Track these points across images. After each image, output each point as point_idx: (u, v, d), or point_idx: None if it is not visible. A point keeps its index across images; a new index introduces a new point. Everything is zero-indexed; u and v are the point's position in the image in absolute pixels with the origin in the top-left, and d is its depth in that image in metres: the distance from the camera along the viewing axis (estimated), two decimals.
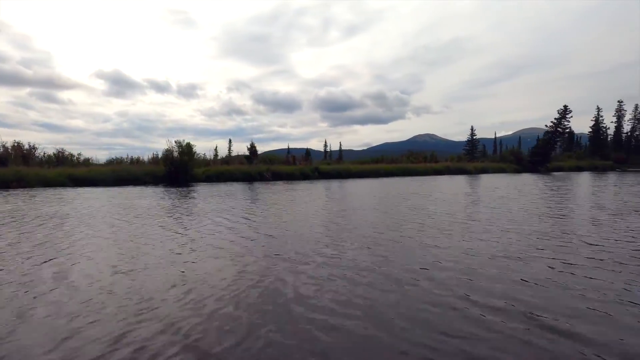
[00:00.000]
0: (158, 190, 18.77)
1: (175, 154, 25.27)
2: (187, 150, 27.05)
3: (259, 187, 21.48)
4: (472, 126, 61.00)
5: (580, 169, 52.81)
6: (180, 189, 19.23)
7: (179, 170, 24.92)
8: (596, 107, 61.38)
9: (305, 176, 30.69)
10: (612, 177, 30.91)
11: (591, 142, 62.06)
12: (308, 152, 72.93)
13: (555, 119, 47.76)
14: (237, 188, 20.40)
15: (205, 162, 30.60)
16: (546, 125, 48.35)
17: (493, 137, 78.01)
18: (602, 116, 60.96)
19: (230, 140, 58.88)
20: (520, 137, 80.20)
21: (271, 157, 34.65)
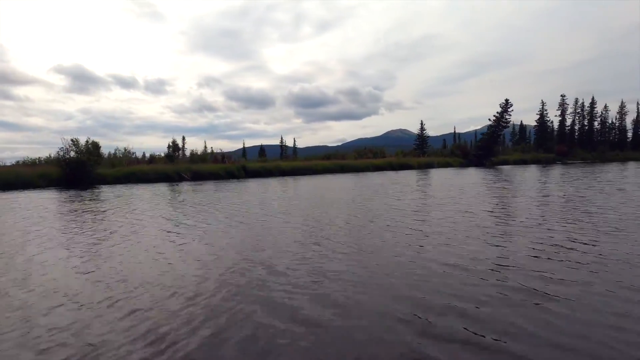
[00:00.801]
0: (35, 195, 16.75)
1: (73, 153, 23.07)
2: (92, 149, 24.90)
3: (164, 189, 19.80)
4: (421, 120, 61.47)
5: (524, 162, 54.16)
6: (67, 193, 17.30)
7: (76, 171, 22.75)
8: (540, 102, 63.38)
9: (231, 175, 29.22)
10: (534, 171, 31.36)
11: (536, 136, 63.94)
12: (262, 149, 71.31)
13: (497, 112, 48.49)
14: (135, 191, 18.66)
15: (120, 161, 28.43)
16: (489, 120, 49.03)
17: (467, 131, 78.96)
18: (546, 110, 63.02)
19: (183, 138, 56.34)
20: (476, 132, 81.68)
21: (199, 155, 32.78)
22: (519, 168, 38.68)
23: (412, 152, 56.64)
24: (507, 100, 47.86)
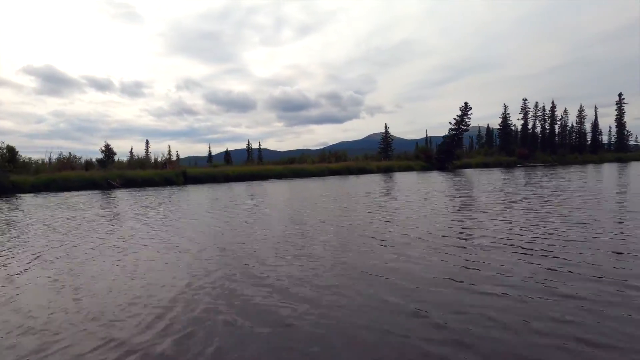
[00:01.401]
0: None
1: None
2: (7, 155, 22.87)
3: (76, 199, 18.07)
4: (385, 124, 61.22)
5: (486, 165, 54.65)
6: None
7: None
8: (503, 106, 64.36)
9: (169, 182, 27.57)
10: (487, 174, 31.16)
11: (500, 139, 64.86)
12: (228, 153, 69.44)
13: (457, 116, 48.62)
14: (42, 201, 16.88)
15: (45, 167, 26.34)
16: (450, 123, 49.11)
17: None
18: (509, 114, 64.01)
19: (148, 142, 53.82)
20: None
21: (137, 160, 30.92)
22: (477, 171, 38.65)
23: (377, 155, 56.32)
24: (466, 103, 48.10)
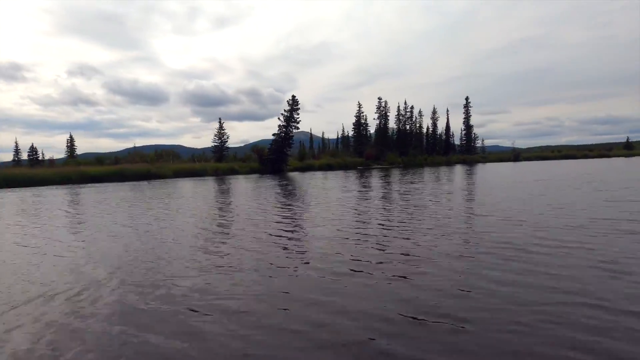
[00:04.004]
0: None
1: None
2: None
3: None
4: (219, 117, 53.47)
5: (330, 167, 50.59)
6: None
7: None
8: (357, 104, 61.71)
9: None
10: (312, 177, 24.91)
11: (354, 140, 62.28)
12: (34, 150, 54.82)
13: (285, 110, 42.83)
14: None
15: None
16: (278, 119, 43.08)
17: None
18: (364, 114, 61.66)
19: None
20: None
21: None
22: (311, 174, 33.44)
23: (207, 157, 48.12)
24: (293, 96, 42.51)
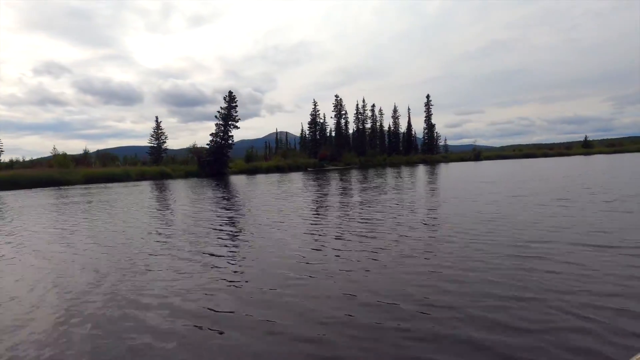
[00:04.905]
0: None
1: None
2: None
3: None
4: (156, 115, 49.73)
5: (280, 169, 47.59)
6: None
7: None
8: (313, 101, 59.02)
9: None
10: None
11: (309, 140, 59.53)
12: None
13: (222, 107, 39.51)
14: None
15: None
16: (216, 117, 39.70)
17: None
18: (319, 110, 58.98)
19: None
20: (266, 141, 75.40)
21: None
22: (251, 178, 30.37)
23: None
24: (230, 92, 39.26)
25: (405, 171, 31.57)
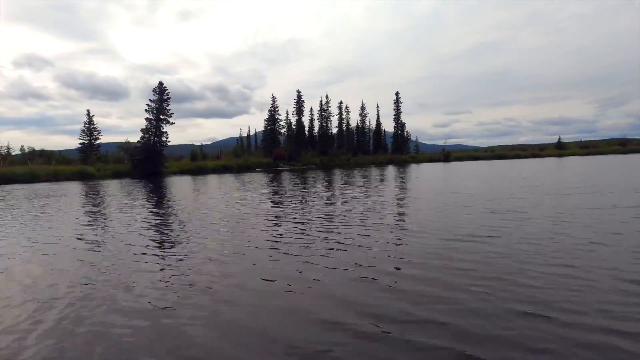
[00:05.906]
0: None
1: None
2: None
3: None
4: (87, 110, 44.78)
5: (227, 169, 43.28)
6: None
7: None
8: (272, 97, 54.87)
9: None
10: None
11: (263, 139, 55.38)
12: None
13: (151, 101, 34.90)
14: None
15: None
16: (146, 111, 35.04)
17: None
18: (278, 106, 54.73)
19: None
20: (239, 139, 70.92)
21: None
22: (191, 178, 26.06)
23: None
24: (161, 83, 34.65)
25: (347, 174, 27.67)
